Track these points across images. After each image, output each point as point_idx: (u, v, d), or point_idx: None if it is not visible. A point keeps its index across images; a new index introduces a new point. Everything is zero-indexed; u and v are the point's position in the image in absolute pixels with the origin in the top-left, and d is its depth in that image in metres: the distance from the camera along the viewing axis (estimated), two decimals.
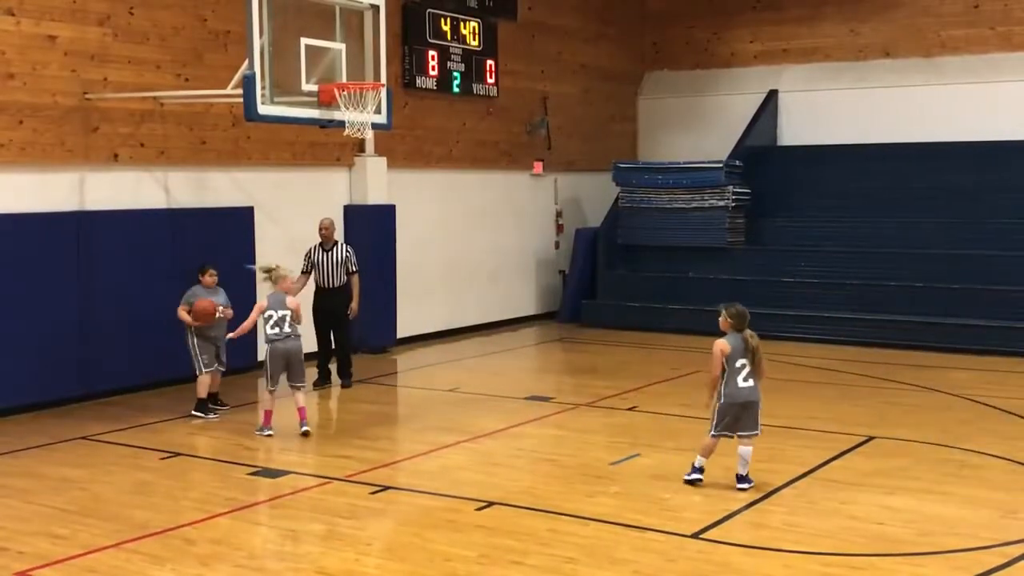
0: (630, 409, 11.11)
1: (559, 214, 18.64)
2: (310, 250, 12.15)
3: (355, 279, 12.09)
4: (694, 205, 17.07)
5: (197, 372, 10.71)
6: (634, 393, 11.88)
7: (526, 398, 11.66)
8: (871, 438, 9.73)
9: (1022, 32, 17.57)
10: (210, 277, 10.81)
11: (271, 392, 9.92)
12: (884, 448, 9.46)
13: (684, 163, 17.48)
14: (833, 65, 19.02)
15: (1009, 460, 8.96)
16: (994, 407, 11.02)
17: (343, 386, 12.23)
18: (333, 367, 12.40)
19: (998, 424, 10.38)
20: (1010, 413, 10.77)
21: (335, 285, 12.10)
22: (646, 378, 12.74)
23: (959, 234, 16.01)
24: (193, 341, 10.72)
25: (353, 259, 12.11)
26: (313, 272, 12.12)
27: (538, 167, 18.06)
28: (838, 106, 18.69)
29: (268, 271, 10.14)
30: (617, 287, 17.56)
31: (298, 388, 9.98)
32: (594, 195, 18.90)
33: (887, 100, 18.25)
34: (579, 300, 17.65)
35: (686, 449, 9.35)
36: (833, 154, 18.33)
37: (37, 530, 7.26)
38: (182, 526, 7.30)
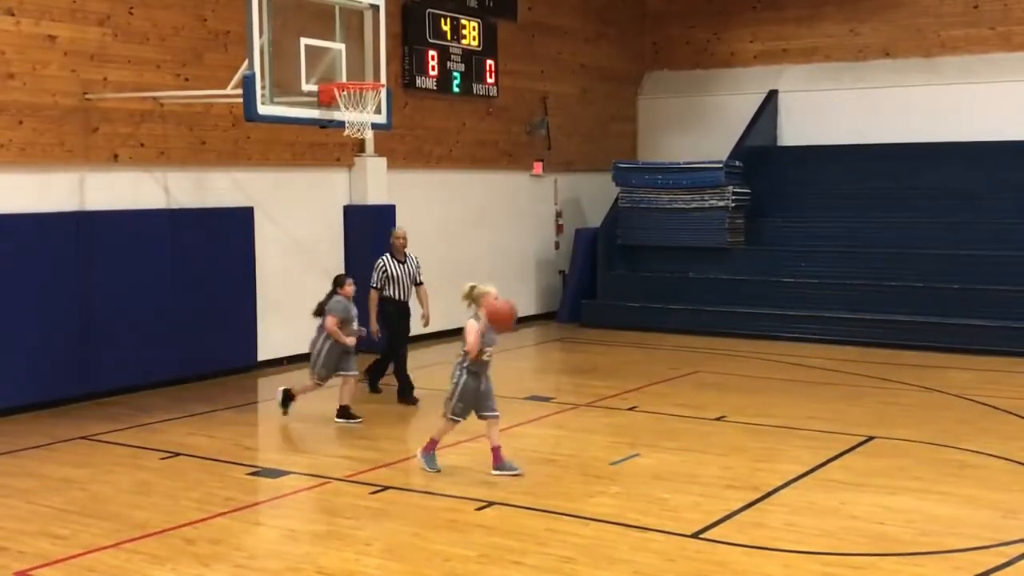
0: (630, 409, 11.11)
1: (559, 214, 18.64)
2: (383, 263, 11.34)
3: (423, 289, 11.53)
4: (694, 205, 17.07)
5: (311, 378, 10.49)
6: (634, 393, 11.88)
7: (526, 398, 11.65)
8: (871, 438, 9.73)
9: (1022, 32, 17.58)
10: (350, 287, 10.49)
11: (452, 423, 8.70)
12: (884, 448, 9.46)
13: (684, 163, 17.48)
14: (833, 65, 19.02)
15: (1009, 460, 8.97)
16: (994, 407, 11.02)
17: (411, 401, 11.48)
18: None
19: (998, 424, 10.38)
20: (1010, 413, 10.77)
21: (407, 298, 11.42)
22: (646, 378, 12.74)
23: (959, 234, 16.01)
24: (323, 348, 10.37)
25: (420, 268, 11.60)
26: (386, 286, 11.33)
27: (538, 167, 18.06)
28: (838, 106, 18.70)
29: (470, 291, 8.59)
30: (617, 287, 17.56)
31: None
32: (594, 195, 18.91)
33: (887, 100, 18.25)
34: (579, 300, 17.65)
35: (686, 449, 9.37)
36: (833, 154, 18.34)
37: (37, 530, 7.26)
38: (182, 526, 7.30)
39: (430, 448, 8.71)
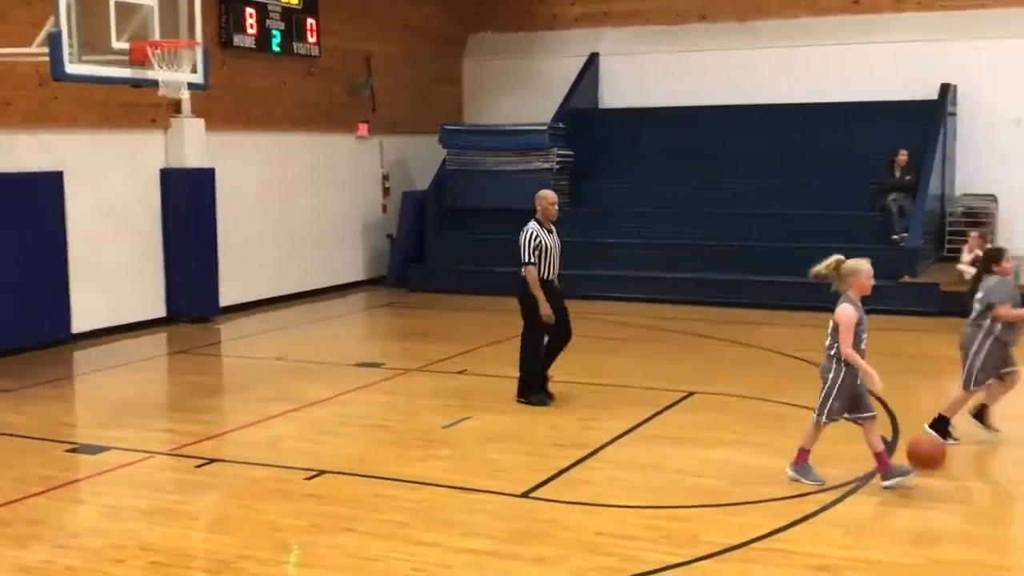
0: (460, 372, 11.16)
1: (385, 177, 18.47)
2: (535, 235, 9.51)
3: None
4: (520, 168, 17.18)
5: (967, 387, 8.27)
6: (464, 356, 11.94)
7: (355, 365, 11.56)
8: (691, 393, 10.05)
9: None
10: (1008, 263, 8.19)
11: (823, 427, 7.51)
12: (704, 403, 9.79)
13: (509, 126, 17.57)
14: (652, 29, 19.39)
15: None
16: (804, 360, 11.51)
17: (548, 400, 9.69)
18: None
19: (808, 378, 10.79)
20: (818, 366, 11.27)
21: (556, 276, 9.74)
22: (475, 341, 12.81)
23: (765, 194, 16.63)
24: (982, 347, 8.12)
25: None
26: (540, 262, 9.58)
27: (363, 129, 17.83)
28: (657, 69, 19.07)
29: (833, 267, 7.30)
30: (445, 250, 17.56)
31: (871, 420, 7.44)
32: (421, 158, 18.81)
33: (703, 63, 18.72)
34: (407, 264, 17.58)
35: (516, 410, 9.47)
36: (652, 117, 18.73)
37: None
38: None
39: (802, 460, 7.45)
